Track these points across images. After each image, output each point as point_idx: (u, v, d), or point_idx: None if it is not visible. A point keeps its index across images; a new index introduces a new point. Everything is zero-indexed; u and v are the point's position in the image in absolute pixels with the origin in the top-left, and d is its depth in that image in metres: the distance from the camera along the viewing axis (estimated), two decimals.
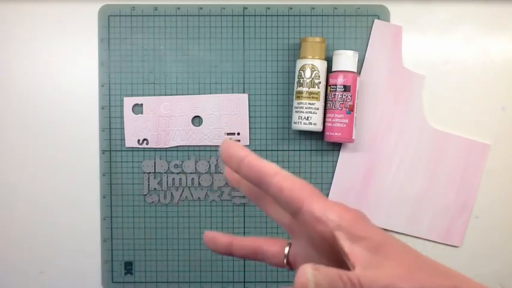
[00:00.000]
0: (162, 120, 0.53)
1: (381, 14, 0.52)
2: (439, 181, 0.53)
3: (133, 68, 0.53)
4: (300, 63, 0.50)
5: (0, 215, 0.54)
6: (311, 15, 0.52)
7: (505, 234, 0.54)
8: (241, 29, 0.53)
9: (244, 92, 0.53)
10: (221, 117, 0.53)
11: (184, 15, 0.52)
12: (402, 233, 0.54)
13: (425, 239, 0.54)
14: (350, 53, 0.49)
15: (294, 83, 0.51)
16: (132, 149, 0.53)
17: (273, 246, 0.28)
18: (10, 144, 0.53)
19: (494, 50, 0.53)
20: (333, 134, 0.50)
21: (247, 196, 0.30)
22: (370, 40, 0.52)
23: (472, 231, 0.54)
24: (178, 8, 0.52)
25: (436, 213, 0.53)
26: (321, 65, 0.50)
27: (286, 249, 0.28)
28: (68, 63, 0.53)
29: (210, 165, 0.53)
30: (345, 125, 0.49)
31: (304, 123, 0.50)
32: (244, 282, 0.54)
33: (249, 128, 0.53)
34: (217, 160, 0.53)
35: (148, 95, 0.53)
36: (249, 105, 0.53)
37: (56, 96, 0.53)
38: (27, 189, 0.53)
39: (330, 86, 0.50)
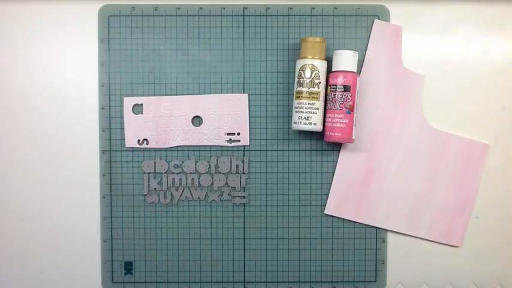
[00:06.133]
0: (162, 120, 0.53)
1: (381, 14, 0.52)
2: (439, 181, 0.53)
3: (133, 68, 0.53)
4: (300, 63, 0.50)
5: (0, 215, 0.54)
6: (311, 15, 0.52)
7: (505, 234, 0.54)
8: (241, 29, 0.53)
9: (244, 92, 0.53)
10: (221, 117, 0.53)
11: (184, 15, 0.52)
12: (402, 233, 0.54)
13: (425, 239, 0.54)
14: (350, 53, 0.49)
15: (294, 83, 0.51)
16: (132, 149, 0.53)
17: None
18: (10, 144, 0.53)
19: (494, 50, 0.53)
20: (333, 134, 0.50)
21: None
22: (370, 40, 0.52)
23: (472, 231, 0.54)
24: (178, 8, 0.52)
25: (436, 213, 0.53)
26: (321, 65, 0.50)
27: None
28: (68, 63, 0.53)
29: (210, 165, 0.53)
30: (345, 125, 0.49)
31: (304, 123, 0.50)
32: (244, 282, 0.54)
33: (249, 128, 0.53)
34: (217, 160, 0.53)
35: (148, 95, 0.53)
36: (249, 105, 0.53)
37: (55, 96, 0.53)
38: (27, 189, 0.53)
39: (330, 86, 0.50)
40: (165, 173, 0.53)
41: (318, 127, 0.50)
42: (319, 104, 0.50)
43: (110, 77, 0.53)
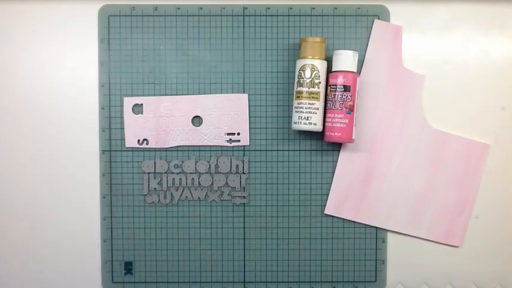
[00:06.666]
0: (162, 120, 0.53)
1: (381, 14, 0.52)
2: (439, 181, 0.53)
3: (133, 68, 0.53)
4: (300, 63, 0.50)
5: (1, 215, 0.54)
6: (311, 15, 0.52)
7: (505, 234, 0.54)
8: (241, 29, 0.53)
9: (244, 92, 0.53)
10: (221, 117, 0.53)
11: (184, 15, 0.52)
12: (402, 233, 0.54)
13: (425, 239, 0.54)
14: (350, 53, 0.49)
15: (294, 83, 0.51)
16: (132, 149, 0.53)
17: None
18: (10, 144, 0.53)
19: (494, 50, 0.53)
20: (333, 134, 0.50)
21: None
22: (370, 40, 0.52)
23: (472, 231, 0.54)
24: (178, 8, 0.52)
25: (436, 213, 0.53)
26: (321, 65, 0.50)
27: None
28: (68, 63, 0.53)
29: (210, 165, 0.53)
30: (345, 125, 0.49)
31: (304, 123, 0.50)
32: (244, 282, 0.54)
33: (249, 128, 0.53)
34: (217, 160, 0.53)
35: (148, 95, 0.53)
36: (249, 105, 0.53)
37: (56, 96, 0.53)
38: (27, 189, 0.53)
39: (330, 86, 0.50)
40: (165, 173, 0.53)
41: (318, 127, 0.50)
42: (319, 104, 0.50)
43: (110, 77, 0.53)
